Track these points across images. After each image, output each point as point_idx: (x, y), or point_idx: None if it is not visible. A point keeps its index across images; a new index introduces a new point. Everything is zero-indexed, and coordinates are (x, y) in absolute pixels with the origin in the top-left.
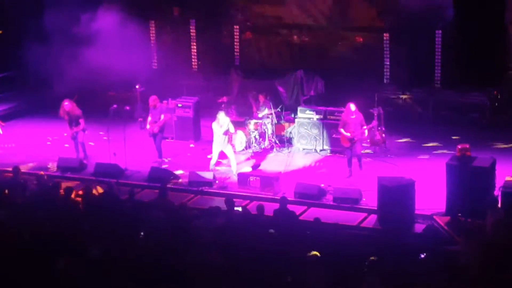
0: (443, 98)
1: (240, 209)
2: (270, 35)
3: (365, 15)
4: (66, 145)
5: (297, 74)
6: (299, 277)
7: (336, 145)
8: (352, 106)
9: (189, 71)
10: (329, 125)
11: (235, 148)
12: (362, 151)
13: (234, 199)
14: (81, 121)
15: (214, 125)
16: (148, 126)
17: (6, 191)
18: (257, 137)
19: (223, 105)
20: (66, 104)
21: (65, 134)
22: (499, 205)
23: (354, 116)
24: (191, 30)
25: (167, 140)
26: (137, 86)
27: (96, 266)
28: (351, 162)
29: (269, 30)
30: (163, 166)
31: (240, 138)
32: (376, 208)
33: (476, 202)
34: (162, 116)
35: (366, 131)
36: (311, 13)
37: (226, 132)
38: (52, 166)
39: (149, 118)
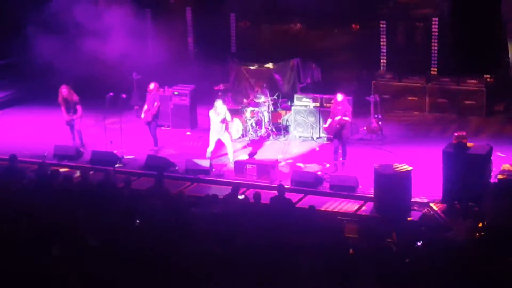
0: (439, 86)
1: (242, 197)
2: (266, 22)
3: (363, 2)
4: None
5: (293, 62)
6: (295, 265)
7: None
8: (339, 96)
9: (186, 59)
10: (326, 113)
11: (232, 136)
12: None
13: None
14: (78, 107)
15: (211, 113)
16: (142, 115)
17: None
18: (254, 125)
19: (219, 93)
20: (64, 90)
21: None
22: (496, 192)
23: (340, 107)
24: (188, 18)
25: (163, 128)
26: (133, 74)
27: (92, 254)
28: (337, 154)
29: (266, 17)
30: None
31: (236, 126)
32: (372, 196)
33: (472, 189)
34: (155, 104)
35: (346, 118)
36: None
37: (223, 121)
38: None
39: (145, 107)
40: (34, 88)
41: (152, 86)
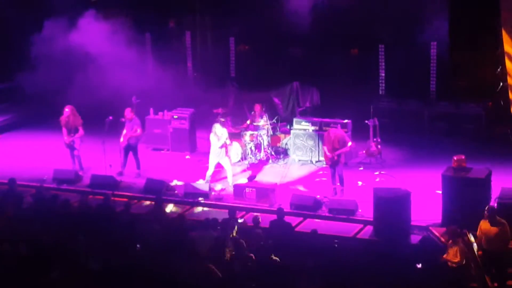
0: (438, 110)
1: (241, 220)
2: (265, 46)
3: (362, 26)
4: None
5: (292, 86)
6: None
7: None
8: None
9: (185, 83)
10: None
11: (231, 160)
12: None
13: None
14: (80, 128)
15: (212, 136)
16: (121, 139)
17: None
18: (253, 148)
19: (218, 117)
20: (66, 110)
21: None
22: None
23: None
24: (187, 42)
25: (162, 151)
26: (133, 98)
27: (92, 279)
28: (335, 179)
29: (265, 41)
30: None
31: (236, 149)
32: (372, 219)
33: (472, 213)
34: (139, 130)
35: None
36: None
37: (223, 145)
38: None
39: (124, 131)
40: (34, 112)
41: (128, 111)
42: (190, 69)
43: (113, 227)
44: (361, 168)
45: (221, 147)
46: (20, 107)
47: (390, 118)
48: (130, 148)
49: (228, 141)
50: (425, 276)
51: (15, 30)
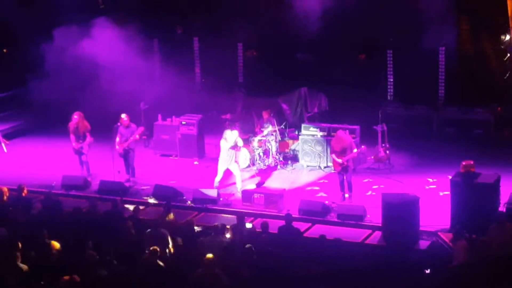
0: (447, 115)
1: (250, 226)
2: (273, 52)
3: (369, 32)
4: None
5: (300, 91)
6: None
7: None
8: (339, 133)
9: (193, 89)
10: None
11: (240, 165)
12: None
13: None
14: (88, 135)
15: (222, 142)
16: (117, 147)
17: (11, 208)
18: (261, 154)
19: (227, 123)
20: (75, 117)
21: None
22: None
23: (341, 143)
24: (195, 48)
25: (171, 157)
26: (141, 104)
27: (100, 285)
28: (343, 186)
29: (273, 47)
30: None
31: (244, 155)
32: (380, 225)
33: (481, 218)
34: (137, 136)
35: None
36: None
37: (234, 147)
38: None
39: (117, 139)
40: (42, 118)
41: (126, 117)
42: (198, 75)
43: (121, 233)
44: (370, 180)
45: (232, 148)
46: (29, 113)
47: (398, 124)
48: (128, 155)
49: (240, 143)
50: (434, 281)
51: (25, 37)
